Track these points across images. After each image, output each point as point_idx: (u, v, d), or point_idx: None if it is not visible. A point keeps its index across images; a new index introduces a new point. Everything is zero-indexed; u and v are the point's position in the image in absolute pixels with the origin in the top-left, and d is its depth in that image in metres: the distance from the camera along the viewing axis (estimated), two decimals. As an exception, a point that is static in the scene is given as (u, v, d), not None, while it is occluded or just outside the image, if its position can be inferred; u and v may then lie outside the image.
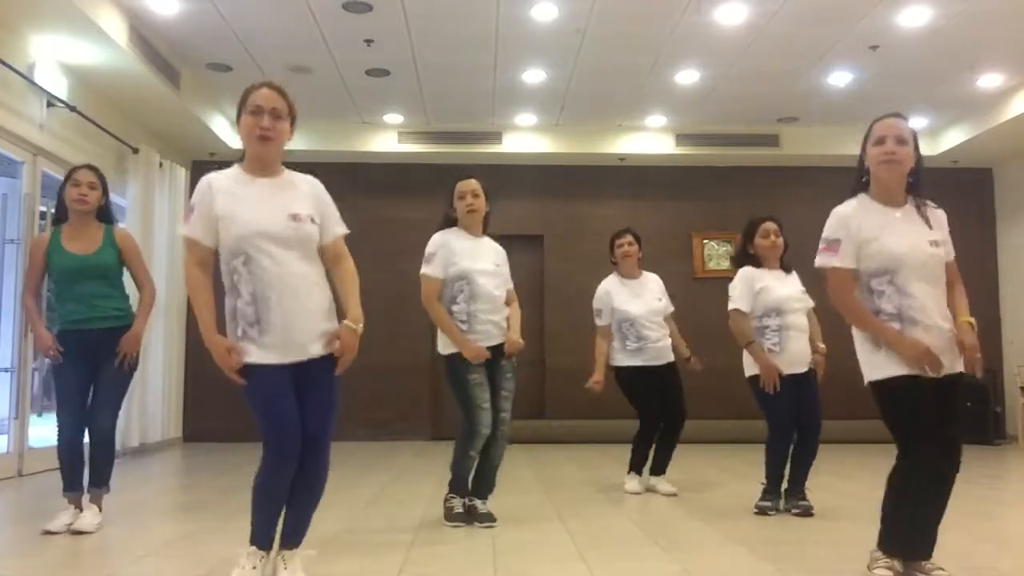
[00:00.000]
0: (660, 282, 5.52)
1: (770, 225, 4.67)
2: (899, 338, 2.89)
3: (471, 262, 4.14)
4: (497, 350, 4.16)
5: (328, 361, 2.87)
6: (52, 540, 3.76)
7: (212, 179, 2.91)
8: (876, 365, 2.96)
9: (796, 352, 4.53)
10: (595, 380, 5.34)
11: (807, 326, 4.64)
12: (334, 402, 2.92)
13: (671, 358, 5.37)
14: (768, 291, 4.56)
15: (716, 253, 9.82)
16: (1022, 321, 9.33)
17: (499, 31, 6.88)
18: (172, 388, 8.53)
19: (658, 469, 5.36)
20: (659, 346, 5.31)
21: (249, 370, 2.79)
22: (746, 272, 4.66)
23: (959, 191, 9.54)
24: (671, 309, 5.49)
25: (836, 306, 3.03)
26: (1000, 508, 4.86)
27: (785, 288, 4.62)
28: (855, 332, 3.06)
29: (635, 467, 5.41)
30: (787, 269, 4.71)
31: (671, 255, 9.52)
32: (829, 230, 3.04)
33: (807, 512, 4.38)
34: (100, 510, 4.03)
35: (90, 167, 4.18)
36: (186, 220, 2.88)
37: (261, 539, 2.85)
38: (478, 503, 4.18)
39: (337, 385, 2.92)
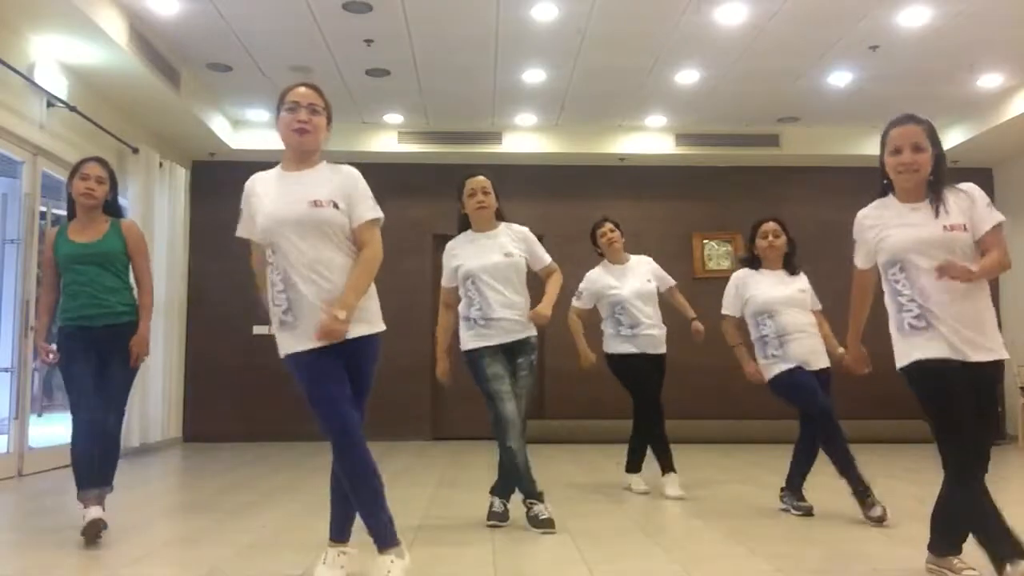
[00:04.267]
0: (650, 263, 5.43)
1: (769, 226, 4.64)
2: (852, 337, 3.29)
3: (474, 261, 4.19)
4: (516, 346, 4.17)
5: (367, 342, 2.94)
6: (52, 540, 3.76)
7: (253, 179, 3.05)
8: (904, 351, 3.00)
9: (801, 352, 4.43)
10: (587, 359, 5.20)
11: (812, 322, 4.53)
12: (369, 383, 2.97)
13: (661, 351, 5.27)
14: (756, 297, 4.54)
15: (716, 253, 9.81)
16: (1022, 321, 9.32)
17: (499, 31, 6.88)
18: (172, 388, 8.52)
19: (664, 468, 5.21)
20: (652, 334, 5.21)
21: (294, 359, 2.84)
22: (737, 276, 4.69)
23: (959, 191, 9.53)
24: (671, 283, 5.44)
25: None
26: (1000, 508, 4.84)
27: (776, 290, 4.53)
28: (890, 320, 3.08)
29: (635, 467, 5.38)
30: (793, 270, 4.63)
31: (671, 255, 9.47)
32: (854, 231, 3.21)
33: (807, 512, 4.38)
34: (103, 509, 4.00)
35: (99, 160, 4.11)
36: (240, 223, 3.03)
37: (333, 532, 3.00)
38: (535, 506, 4.04)
39: (372, 365, 2.98)
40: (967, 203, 3.01)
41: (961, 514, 2.95)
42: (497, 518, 4.09)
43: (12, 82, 5.94)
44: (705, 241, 9.84)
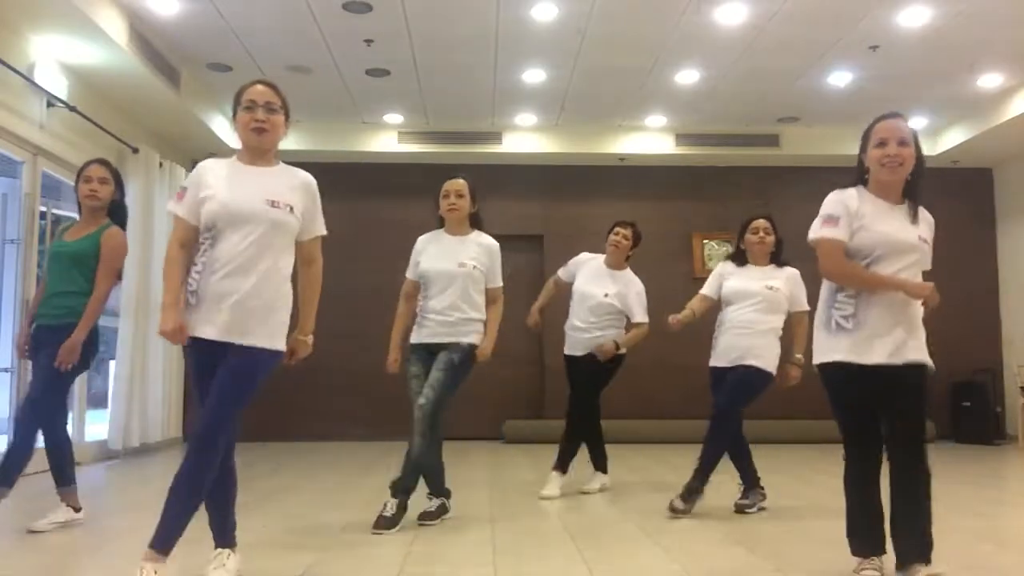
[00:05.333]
0: (635, 287, 5.29)
1: (760, 223, 4.66)
2: (901, 282, 2.91)
3: (432, 262, 4.24)
4: (441, 348, 4.17)
5: (249, 354, 2.80)
6: (50, 540, 3.76)
7: (206, 163, 3.01)
8: (823, 349, 3.04)
9: (724, 346, 4.57)
10: (531, 318, 5.45)
11: (757, 323, 4.47)
12: (236, 394, 2.79)
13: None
14: (725, 287, 4.65)
15: (716, 253, 9.81)
16: (1022, 321, 9.33)
17: (499, 31, 6.88)
18: (172, 388, 8.52)
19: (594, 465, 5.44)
20: (580, 336, 5.24)
21: (190, 341, 2.86)
22: (721, 265, 4.81)
23: (959, 191, 9.53)
24: (638, 319, 5.23)
25: (830, 273, 3.03)
26: (1000, 508, 4.86)
27: (745, 282, 4.57)
28: (817, 314, 3.10)
29: (557, 463, 5.25)
30: (780, 264, 4.64)
31: (671, 255, 9.53)
32: (828, 207, 3.05)
33: (740, 510, 4.49)
34: (77, 509, 4.03)
35: (102, 162, 4.16)
36: (177, 198, 2.94)
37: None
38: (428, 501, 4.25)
39: (247, 380, 2.82)
40: (931, 226, 3.08)
41: (849, 512, 3.06)
42: (428, 517, 4.15)
43: (12, 82, 5.93)
44: (705, 241, 9.85)
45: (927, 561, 2.85)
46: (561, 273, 5.46)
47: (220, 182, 2.90)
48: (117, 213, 4.17)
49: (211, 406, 2.78)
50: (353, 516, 4.40)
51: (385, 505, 4.03)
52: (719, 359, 4.58)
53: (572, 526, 4.13)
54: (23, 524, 3.99)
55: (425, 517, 4.14)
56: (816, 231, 3.03)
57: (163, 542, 2.73)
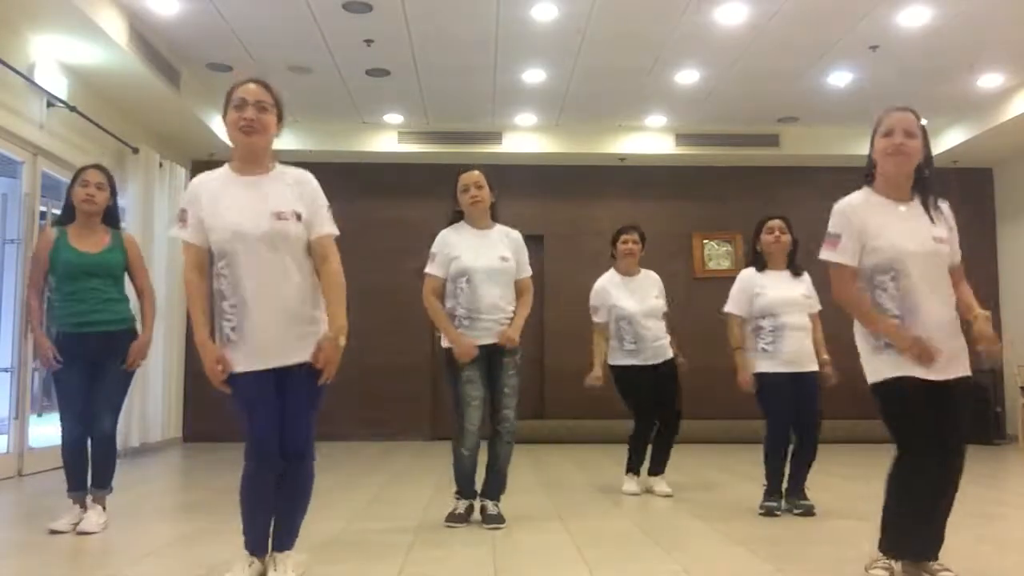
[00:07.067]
0: (659, 281, 5.43)
1: (775, 222, 4.64)
2: (897, 332, 2.89)
3: (473, 259, 4.12)
4: (499, 348, 4.11)
5: (307, 368, 2.80)
6: (52, 540, 3.77)
7: (199, 180, 2.91)
8: (877, 368, 2.96)
9: (792, 351, 4.46)
10: (595, 376, 5.25)
11: (808, 325, 4.55)
12: (312, 412, 2.83)
13: (668, 356, 5.27)
14: (764, 295, 4.54)
15: (716, 253, 9.82)
16: (1022, 321, 9.32)
17: (499, 31, 6.88)
18: (172, 388, 8.52)
19: (656, 469, 5.32)
20: (656, 345, 5.23)
21: (232, 378, 2.78)
22: (745, 275, 4.66)
23: (959, 191, 9.51)
24: (664, 309, 5.38)
25: (839, 301, 3.03)
26: (1000, 508, 4.86)
27: (783, 291, 4.54)
28: (857, 335, 3.04)
29: (632, 468, 5.38)
30: (796, 271, 4.62)
31: (671, 255, 9.52)
32: (831, 225, 3.04)
33: (808, 512, 4.38)
34: (104, 510, 4.04)
35: (99, 167, 4.17)
36: (180, 223, 2.86)
37: (250, 544, 2.90)
38: (488, 504, 4.16)
39: (318, 393, 2.85)
40: (950, 218, 3.05)
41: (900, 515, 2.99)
42: (454, 519, 4.14)
43: (12, 82, 5.93)
44: (705, 241, 9.85)
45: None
46: (597, 318, 5.37)
47: (218, 204, 2.81)
48: (111, 215, 4.21)
49: (299, 428, 2.80)
50: (352, 517, 4.40)
51: (467, 504, 4.18)
52: (790, 365, 4.47)
53: (572, 526, 4.13)
54: (23, 524, 3.99)
55: (491, 520, 4.08)
56: (823, 252, 3.02)
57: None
